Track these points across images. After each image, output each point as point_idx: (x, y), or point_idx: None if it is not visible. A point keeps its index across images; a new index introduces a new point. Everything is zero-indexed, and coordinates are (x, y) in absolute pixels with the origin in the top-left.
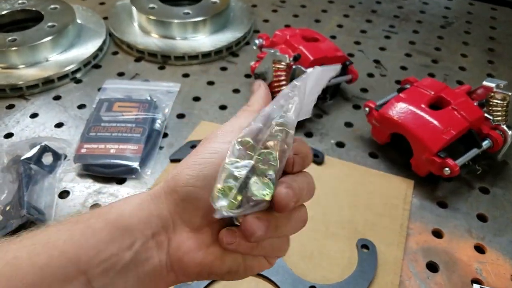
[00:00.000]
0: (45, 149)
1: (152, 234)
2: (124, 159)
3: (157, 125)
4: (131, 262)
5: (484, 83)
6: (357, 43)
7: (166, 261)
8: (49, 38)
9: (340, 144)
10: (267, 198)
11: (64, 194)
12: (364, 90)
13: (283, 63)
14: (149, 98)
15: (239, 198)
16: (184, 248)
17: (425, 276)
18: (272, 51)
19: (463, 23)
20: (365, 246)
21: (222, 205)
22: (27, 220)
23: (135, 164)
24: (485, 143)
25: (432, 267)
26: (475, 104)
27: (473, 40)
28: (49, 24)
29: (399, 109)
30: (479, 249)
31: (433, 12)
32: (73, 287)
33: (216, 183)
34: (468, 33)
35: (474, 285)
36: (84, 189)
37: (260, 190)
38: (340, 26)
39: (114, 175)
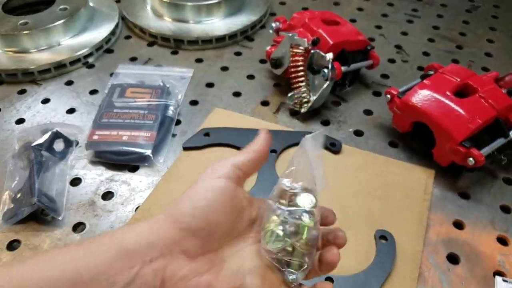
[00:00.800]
0: (56, 136)
1: (149, 260)
2: (136, 147)
3: (170, 112)
4: (128, 285)
5: None
6: (378, 27)
7: None
8: (61, 21)
9: (358, 133)
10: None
11: (76, 181)
12: (384, 76)
13: (301, 48)
14: (162, 84)
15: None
16: (178, 275)
17: (446, 268)
18: (290, 34)
19: (491, 7)
20: (383, 237)
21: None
22: (38, 208)
23: (148, 152)
24: None
25: (453, 259)
26: (503, 91)
27: (501, 25)
28: (61, 7)
29: (423, 97)
30: (502, 241)
31: None
32: None
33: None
34: (496, 17)
35: (497, 277)
36: (96, 177)
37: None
38: (360, 9)
39: (127, 162)
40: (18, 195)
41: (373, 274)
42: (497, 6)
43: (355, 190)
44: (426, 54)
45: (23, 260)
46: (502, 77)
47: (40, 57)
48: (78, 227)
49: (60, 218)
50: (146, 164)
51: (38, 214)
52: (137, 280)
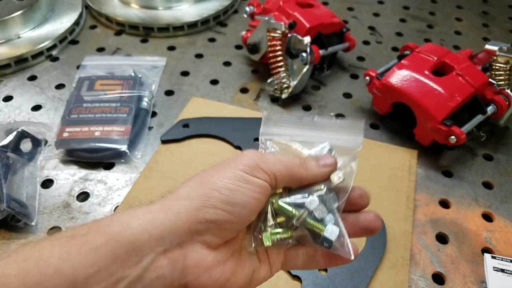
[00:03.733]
0: (22, 135)
1: (164, 250)
2: (110, 142)
3: (144, 104)
4: (138, 281)
5: (487, 46)
6: (350, 9)
7: (179, 281)
8: (19, 12)
9: (339, 116)
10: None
11: (47, 183)
12: (360, 58)
13: (278, 32)
14: (133, 74)
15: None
16: (203, 266)
17: (436, 249)
18: (267, 18)
19: None
20: None
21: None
22: (8, 214)
23: (123, 147)
24: (490, 109)
25: (442, 238)
26: (478, 68)
27: (467, 3)
28: None
29: (402, 77)
30: (487, 217)
31: None
32: None
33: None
34: None
35: (485, 254)
36: (69, 177)
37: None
38: None
39: (101, 159)
40: None
41: (366, 260)
42: None
43: None
44: (399, 34)
45: (7, 256)
46: (475, 54)
47: None
48: (54, 232)
49: (33, 223)
50: (122, 160)
51: (8, 221)
52: (147, 275)
